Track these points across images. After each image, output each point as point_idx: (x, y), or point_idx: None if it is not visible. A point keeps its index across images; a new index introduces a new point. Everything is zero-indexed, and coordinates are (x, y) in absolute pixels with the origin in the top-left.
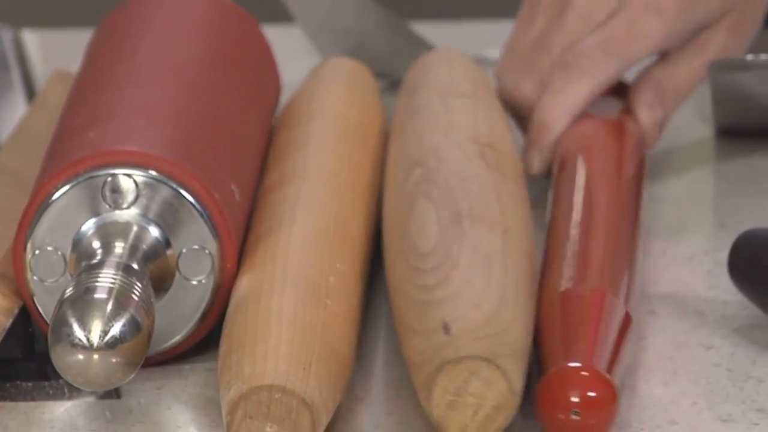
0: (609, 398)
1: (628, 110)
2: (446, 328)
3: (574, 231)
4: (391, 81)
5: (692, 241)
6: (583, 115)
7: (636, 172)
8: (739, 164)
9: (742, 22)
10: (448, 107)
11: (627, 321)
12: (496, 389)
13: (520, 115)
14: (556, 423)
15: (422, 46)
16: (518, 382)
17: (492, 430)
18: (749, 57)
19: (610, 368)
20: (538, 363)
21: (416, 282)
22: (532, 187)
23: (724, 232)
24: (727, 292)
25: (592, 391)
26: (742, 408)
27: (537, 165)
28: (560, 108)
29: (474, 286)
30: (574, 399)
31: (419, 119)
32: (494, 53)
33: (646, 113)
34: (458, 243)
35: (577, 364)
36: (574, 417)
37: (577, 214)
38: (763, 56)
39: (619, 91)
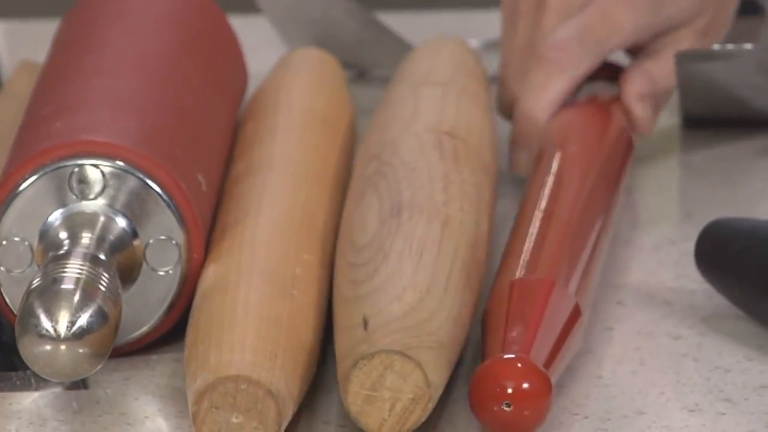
0: (542, 390)
1: (618, 99)
2: (365, 323)
3: (534, 221)
4: (358, 71)
5: (659, 231)
6: (570, 103)
7: (616, 162)
8: (706, 154)
9: (715, 24)
10: (416, 98)
11: (576, 313)
12: (412, 381)
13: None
14: (489, 414)
15: (389, 36)
16: (436, 373)
17: (411, 422)
18: (716, 46)
19: (550, 360)
20: (481, 355)
21: (349, 277)
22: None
23: (691, 221)
24: (694, 281)
25: (525, 383)
26: (709, 398)
27: (524, 163)
28: (541, 105)
29: (400, 277)
30: (507, 391)
31: (387, 113)
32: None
33: (639, 104)
34: (392, 235)
35: (511, 356)
36: (506, 408)
37: (540, 204)
38: (729, 46)
39: (612, 75)
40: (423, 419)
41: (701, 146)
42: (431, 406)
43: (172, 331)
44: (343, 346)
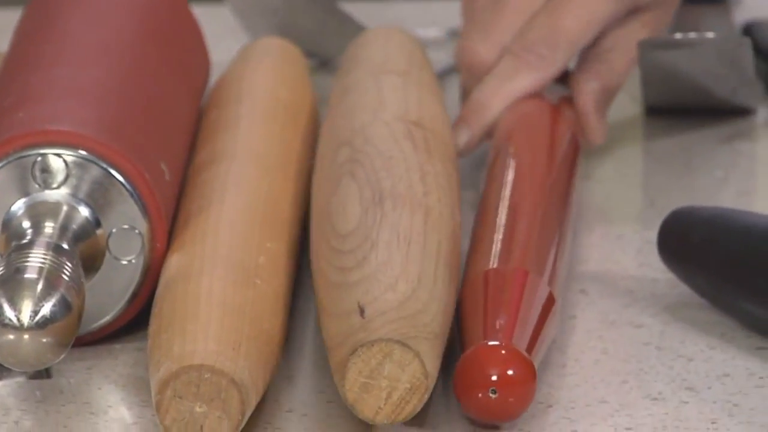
0: (527, 377)
1: (568, 98)
2: (361, 311)
3: (500, 211)
4: (320, 60)
5: (622, 219)
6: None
7: (571, 155)
8: (668, 142)
9: (664, 15)
10: (379, 86)
11: (550, 301)
12: (409, 371)
13: (472, 80)
14: (474, 401)
15: (351, 25)
16: (432, 364)
17: (406, 412)
18: (678, 35)
19: (530, 347)
20: (460, 342)
21: (335, 263)
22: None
23: (654, 210)
24: (656, 270)
25: (510, 370)
26: (672, 386)
27: (464, 142)
28: (501, 95)
29: (391, 267)
30: (492, 377)
31: (350, 99)
32: (425, 32)
33: (594, 117)
34: (378, 224)
35: (496, 343)
36: (492, 395)
37: (505, 195)
38: (691, 34)
39: (562, 77)
40: (418, 409)
41: (663, 135)
42: (427, 396)
43: (135, 321)
44: (337, 333)
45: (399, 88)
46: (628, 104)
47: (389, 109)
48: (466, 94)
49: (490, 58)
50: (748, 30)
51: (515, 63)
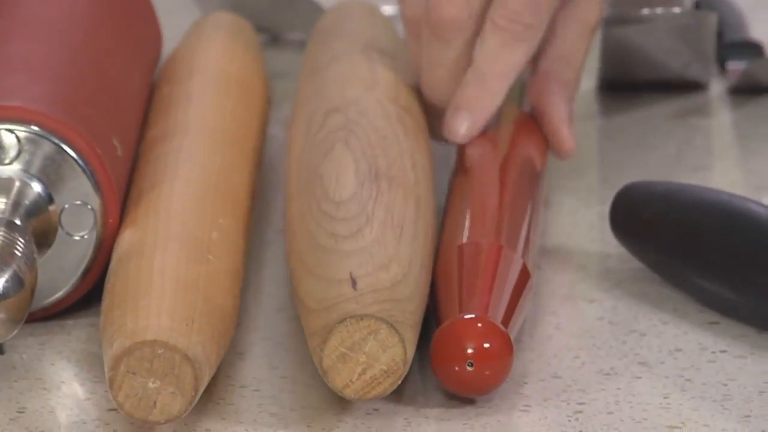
0: (504, 350)
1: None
2: (353, 282)
3: (472, 187)
4: (271, 35)
5: (575, 194)
6: None
7: (539, 134)
8: (622, 118)
9: None
10: (371, 63)
11: (524, 274)
12: (390, 354)
13: (437, 42)
14: (451, 375)
15: (303, 1)
16: (411, 352)
17: (375, 392)
18: (645, 11)
19: (506, 321)
20: (434, 318)
21: (326, 228)
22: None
23: (606, 185)
24: (609, 245)
25: (486, 343)
26: (624, 361)
27: (465, 128)
28: (500, 75)
29: (385, 246)
30: (469, 350)
31: (339, 68)
32: (389, 10)
33: (566, 127)
34: (374, 200)
35: (472, 316)
36: (469, 368)
37: (475, 172)
38: (645, 10)
39: None
40: (387, 393)
41: (617, 110)
42: (399, 382)
43: (87, 297)
44: (324, 297)
45: (391, 69)
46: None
47: (382, 88)
48: (419, 58)
49: (462, 16)
50: (699, 6)
51: (503, 37)
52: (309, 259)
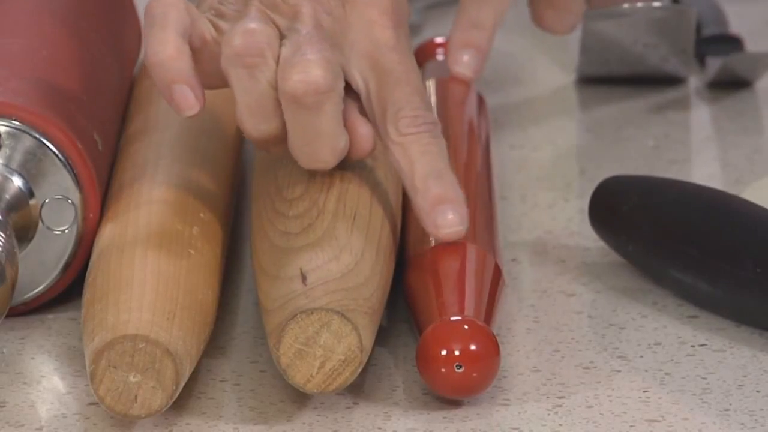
0: (491, 350)
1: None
2: (303, 278)
3: None
4: None
5: (553, 188)
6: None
7: (481, 122)
8: (600, 111)
9: None
10: None
11: (497, 273)
12: (345, 343)
13: None
14: (439, 377)
15: None
16: (368, 339)
17: (338, 383)
18: (625, 5)
19: (487, 320)
20: (414, 322)
21: (279, 227)
22: None
23: (585, 179)
24: (587, 239)
25: (473, 344)
26: (603, 355)
27: (475, 63)
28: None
29: (336, 237)
30: (457, 352)
31: None
32: None
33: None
34: (325, 193)
35: (458, 318)
36: (458, 370)
37: None
38: (625, 5)
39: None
40: (349, 382)
41: (595, 104)
42: (359, 370)
43: (68, 291)
44: (277, 296)
45: None
46: (559, 74)
47: None
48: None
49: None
50: (678, 0)
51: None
52: (264, 260)
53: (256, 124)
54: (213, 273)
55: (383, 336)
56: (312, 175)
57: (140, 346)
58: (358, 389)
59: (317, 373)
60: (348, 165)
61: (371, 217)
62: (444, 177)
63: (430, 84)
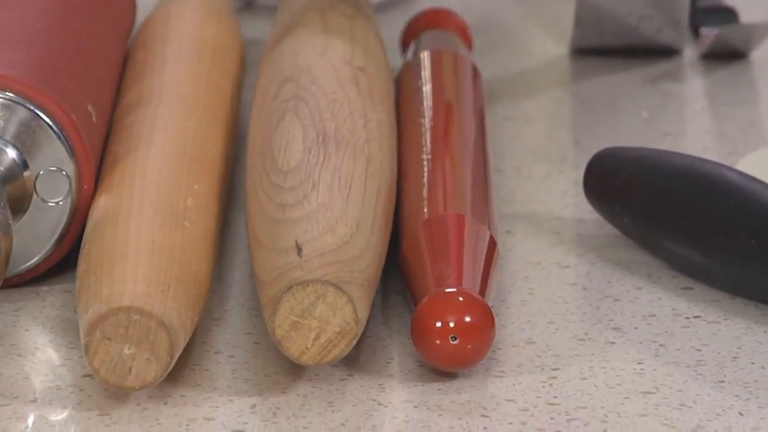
0: (486, 322)
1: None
2: (299, 249)
3: (424, 162)
4: (245, 1)
5: (547, 160)
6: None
7: (475, 93)
8: (594, 83)
9: None
10: (326, 26)
11: (492, 244)
12: (341, 315)
13: None
14: (434, 349)
15: None
16: (363, 311)
17: (332, 355)
18: None
19: (482, 292)
20: (409, 294)
21: (274, 199)
22: None
23: (579, 150)
24: (582, 210)
25: (468, 316)
26: (598, 327)
27: None
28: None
29: (331, 209)
30: (452, 324)
31: (295, 35)
32: None
33: None
34: (320, 165)
35: (452, 290)
36: (453, 342)
37: (426, 145)
38: None
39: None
40: (344, 354)
41: (589, 76)
42: (354, 342)
43: (62, 263)
44: (272, 268)
45: (347, 30)
46: (552, 46)
47: (336, 51)
48: None
49: None
50: None
51: None
52: (259, 232)
53: None
54: (208, 245)
55: (378, 308)
56: (307, 146)
57: (135, 318)
58: (353, 361)
59: (312, 345)
60: (343, 137)
61: (366, 190)
62: None
63: (425, 55)
